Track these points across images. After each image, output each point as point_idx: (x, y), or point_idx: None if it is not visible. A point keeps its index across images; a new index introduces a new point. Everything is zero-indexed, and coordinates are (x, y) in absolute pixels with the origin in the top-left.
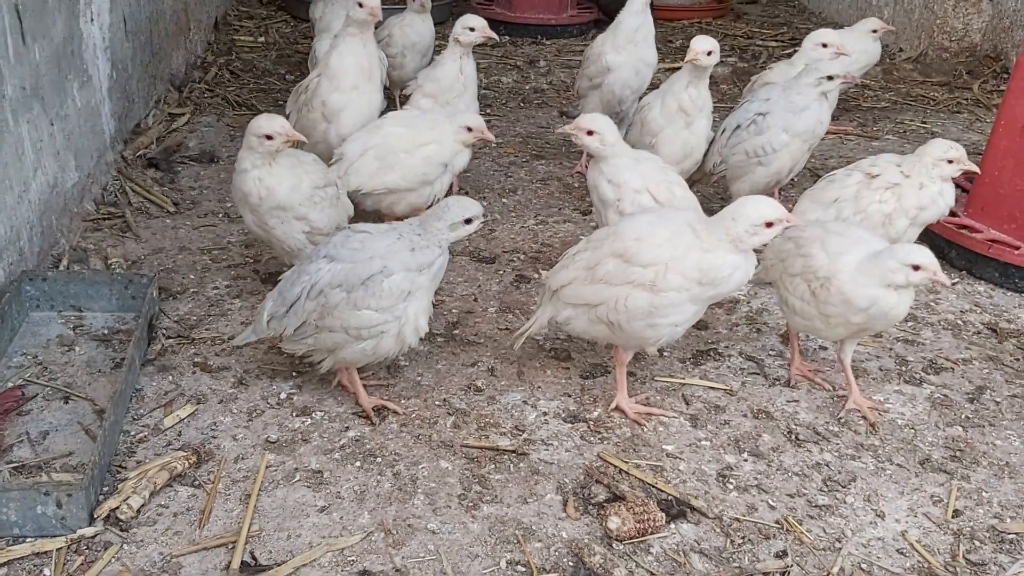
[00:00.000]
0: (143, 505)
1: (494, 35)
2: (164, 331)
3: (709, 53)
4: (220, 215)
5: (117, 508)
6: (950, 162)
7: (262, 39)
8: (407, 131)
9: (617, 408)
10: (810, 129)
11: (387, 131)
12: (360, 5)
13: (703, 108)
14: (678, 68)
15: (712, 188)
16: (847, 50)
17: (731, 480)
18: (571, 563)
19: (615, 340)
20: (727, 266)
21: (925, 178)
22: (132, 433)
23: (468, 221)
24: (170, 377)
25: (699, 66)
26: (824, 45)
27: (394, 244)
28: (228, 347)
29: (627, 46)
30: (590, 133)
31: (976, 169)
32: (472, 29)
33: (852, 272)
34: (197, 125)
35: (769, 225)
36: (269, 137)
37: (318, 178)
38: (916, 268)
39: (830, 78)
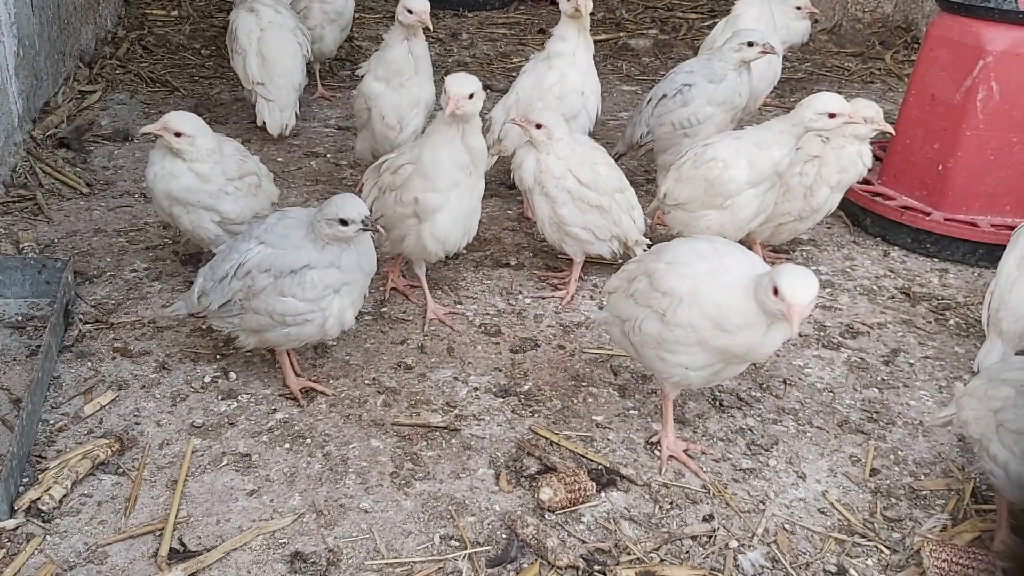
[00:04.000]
0: (65, 495)
1: (429, 24)
2: (81, 316)
3: (832, 115)
4: (136, 195)
5: (38, 499)
6: (832, 116)
7: (175, 12)
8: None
9: (668, 453)
10: (729, 100)
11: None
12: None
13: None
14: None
15: (636, 161)
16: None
17: (659, 448)
18: (504, 535)
19: (639, 361)
20: (743, 312)
21: (844, 139)
22: (51, 422)
23: (344, 223)
24: (89, 363)
25: (815, 129)
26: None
27: (305, 238)
28: (149, 331)
29: None
30: (539, 127)
31: (889, 128)
32: (410, 11)
33: None
34: (109, 103)
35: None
36: (178, 135)
37: (231, 169)
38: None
39: (750, 44)
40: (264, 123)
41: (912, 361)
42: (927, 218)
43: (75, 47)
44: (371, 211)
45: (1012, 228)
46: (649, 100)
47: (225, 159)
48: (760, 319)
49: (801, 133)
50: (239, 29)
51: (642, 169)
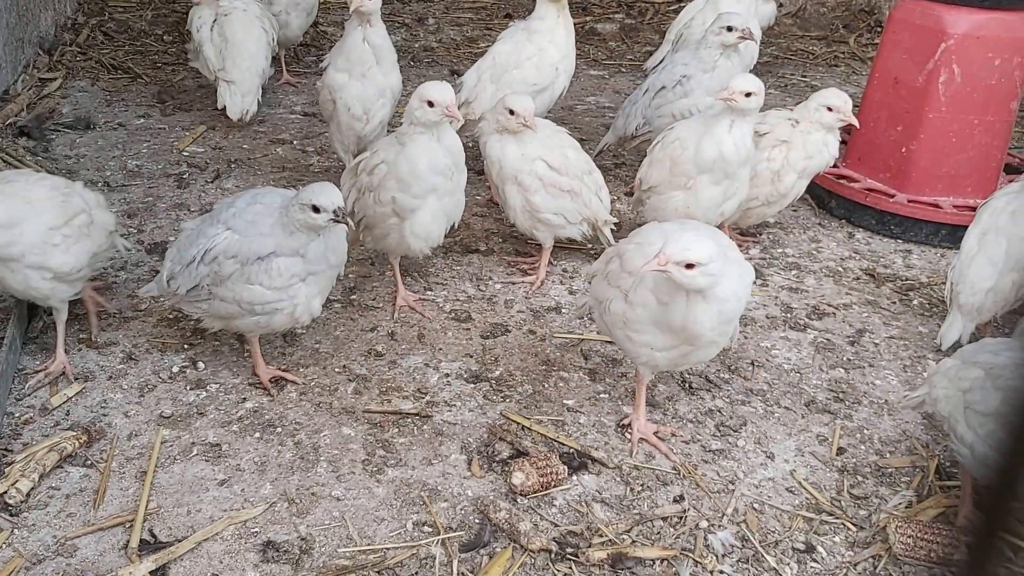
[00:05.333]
0: (33, 488)
1: (370, 7)
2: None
3: (748, 95)
4: (99, 184)
5: (5, 493)
6: (829, 109)
7: None
8: None
9: (639, 436)
10: (725, 85)
11: None
12: (430, 104)
13: (748, 156)
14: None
15: (611, 151)
16: None
17: (629, 430)
18: (477, 520)
19: (616, 343)
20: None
21: (811, 125)
22: (17, 415)
23: (316, 210)
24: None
25: (737, 108)
26: None
27: (276, 224)
28: (115, 321)
29: None
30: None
31: (854, 121)
32: None
33: None
34: (70, 90)
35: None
36: None
37: (55, 216)
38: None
39: (729, 29)
40: (224, 107)
41: (877, 341)
42: (891, 200)
43: (34, 34)
44: (353, 212)
45: (974, 209)
46: (646, 91)
47: (40, 206)
48: (680, 289)
49: (719, 110)
50: (193, 22)
51: (609, 153)
